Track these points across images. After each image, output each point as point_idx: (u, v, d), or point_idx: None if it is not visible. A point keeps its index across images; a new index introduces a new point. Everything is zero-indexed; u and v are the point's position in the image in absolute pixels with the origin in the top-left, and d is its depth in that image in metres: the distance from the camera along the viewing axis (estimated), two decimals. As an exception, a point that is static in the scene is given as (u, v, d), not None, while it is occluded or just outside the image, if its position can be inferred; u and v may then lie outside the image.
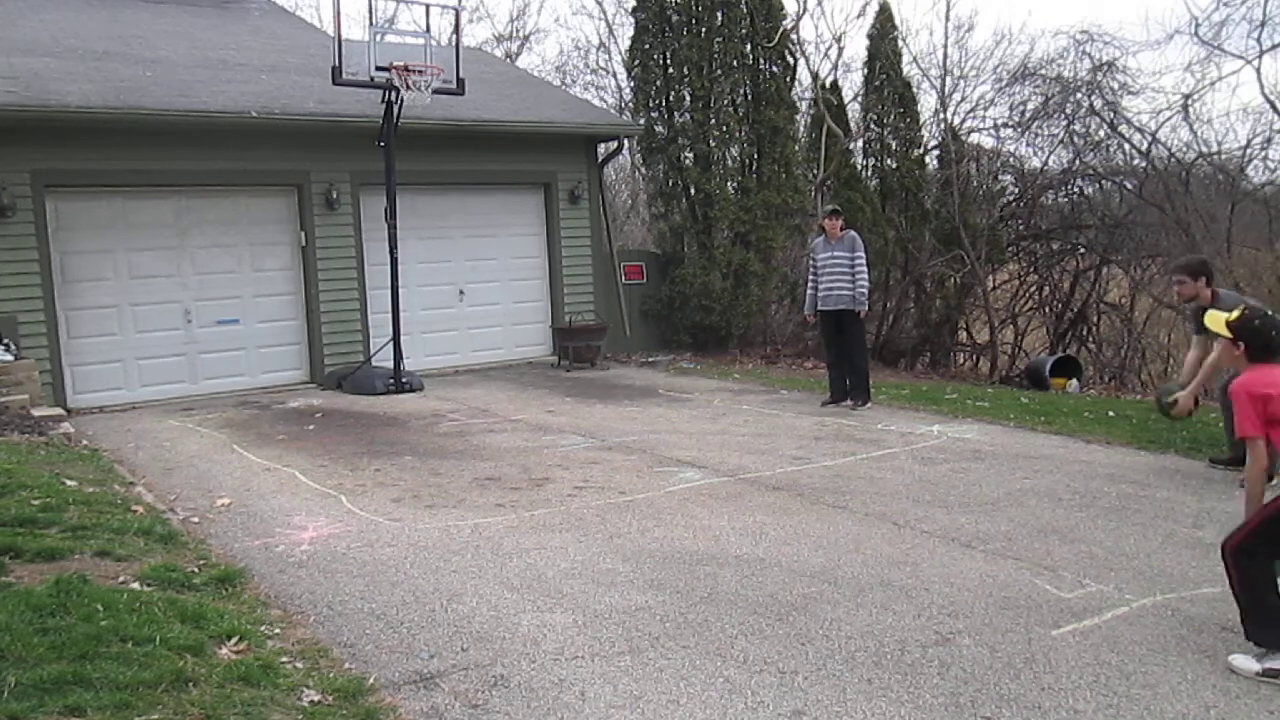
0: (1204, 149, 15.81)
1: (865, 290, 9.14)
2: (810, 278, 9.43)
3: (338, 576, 4.86)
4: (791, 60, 15.47)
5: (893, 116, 16.34)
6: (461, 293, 12.85)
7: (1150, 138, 16.16)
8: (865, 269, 9.13)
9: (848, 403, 9.33)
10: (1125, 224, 16.06)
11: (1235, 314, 4.11)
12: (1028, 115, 16.78)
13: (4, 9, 12.80)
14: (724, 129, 14.58)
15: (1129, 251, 16.19)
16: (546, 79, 20.05)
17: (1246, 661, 3.69)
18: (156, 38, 12.95)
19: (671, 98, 14.55)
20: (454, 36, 11.13)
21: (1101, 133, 16.57)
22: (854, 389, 9.33)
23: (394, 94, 10.39)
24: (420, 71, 10.24)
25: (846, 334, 9.30)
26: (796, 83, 15.97)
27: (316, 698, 3.44)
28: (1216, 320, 4.20)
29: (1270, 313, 4.18)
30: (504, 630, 4.15)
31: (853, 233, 9.33)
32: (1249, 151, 15.72)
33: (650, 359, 13.59)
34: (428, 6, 10.80)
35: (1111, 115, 16.29)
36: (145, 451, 8.07)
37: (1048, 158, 17.17)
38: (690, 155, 14.54)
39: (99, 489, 6.20)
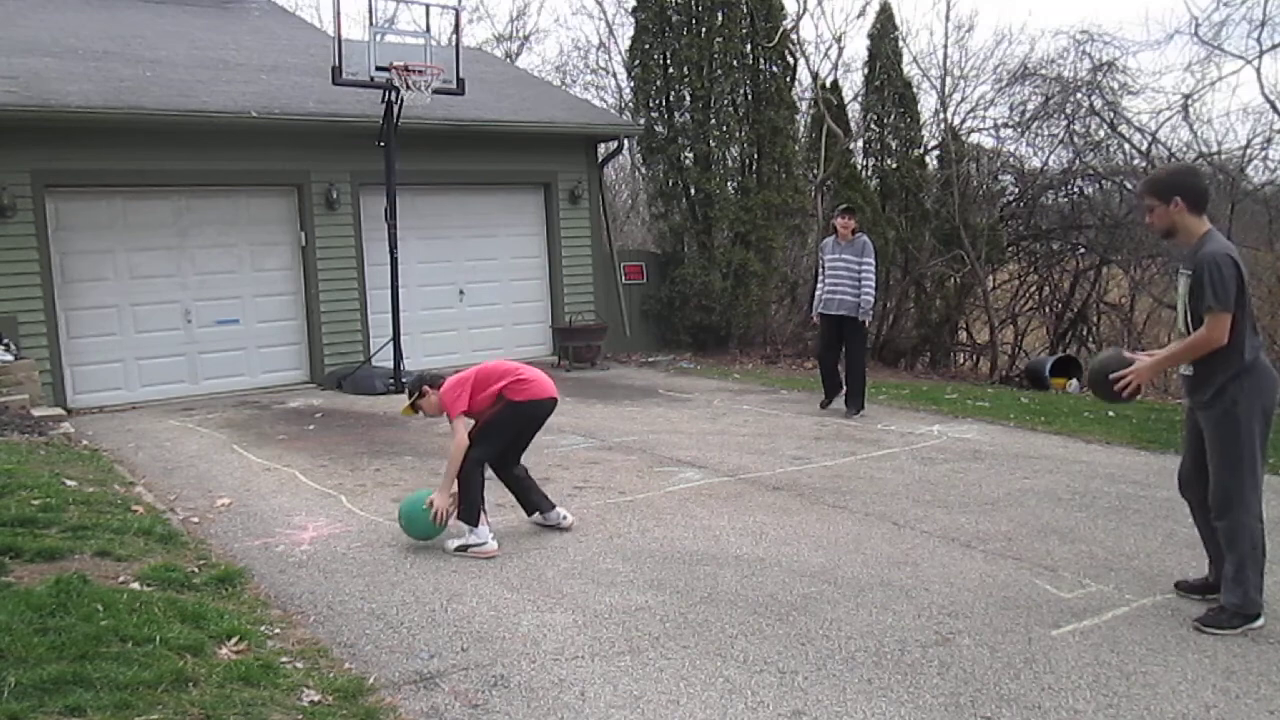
0: (1204, 149, 15.81)
1: (870, 299, 8.89)
2: (819, 277, 9.27)
3: (338, 576, 4.86)
4: (791, 60, 15.47)
5: (893, 116, 16.33)
6: (461, 293, 12.85)
7: (1150, 138, 16.17)
8: (873, 276, 8.87)
9: (841, 405, 9.11)
10: (1125, 224, 16.04)
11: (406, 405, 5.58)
12: (1028, 115, 16.77)
13: (4, 9, 12.81)
14: (724, 129, 14.58)
15: (1129, 251, 16.17)
16: (546, 79, 20.05)
17: (449, 542, 5.19)
18: (156, 38, 12.95)
19: (671, 98, 14.55)
20: (454, 36, 11.13)
21: (1101, 133, 16.57)
22: (851, 395, 9.05)
23: (394, 94, 10.38)
24: (420, 71, 10.23)
25: (847, 340, 9.06)
26: (796, 83, 15.98)
27: (316, 698, 3.44)
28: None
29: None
30: (504, 630, 4.16)
31: (864, 237, 9.04)
32: (1249, 151, 15.72)
33: (650, 359, 13.58)
34: (428, 6, 10.81)
35: (1111, 115, 16.29)
36: (145, 451, 8.07)
37: (1048, 158, 17.17)
38: (690, 155, 14.54)
39: (99, 489, 6.19)
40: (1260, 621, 4.02)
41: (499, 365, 5.62)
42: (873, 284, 8.89)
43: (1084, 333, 17.70)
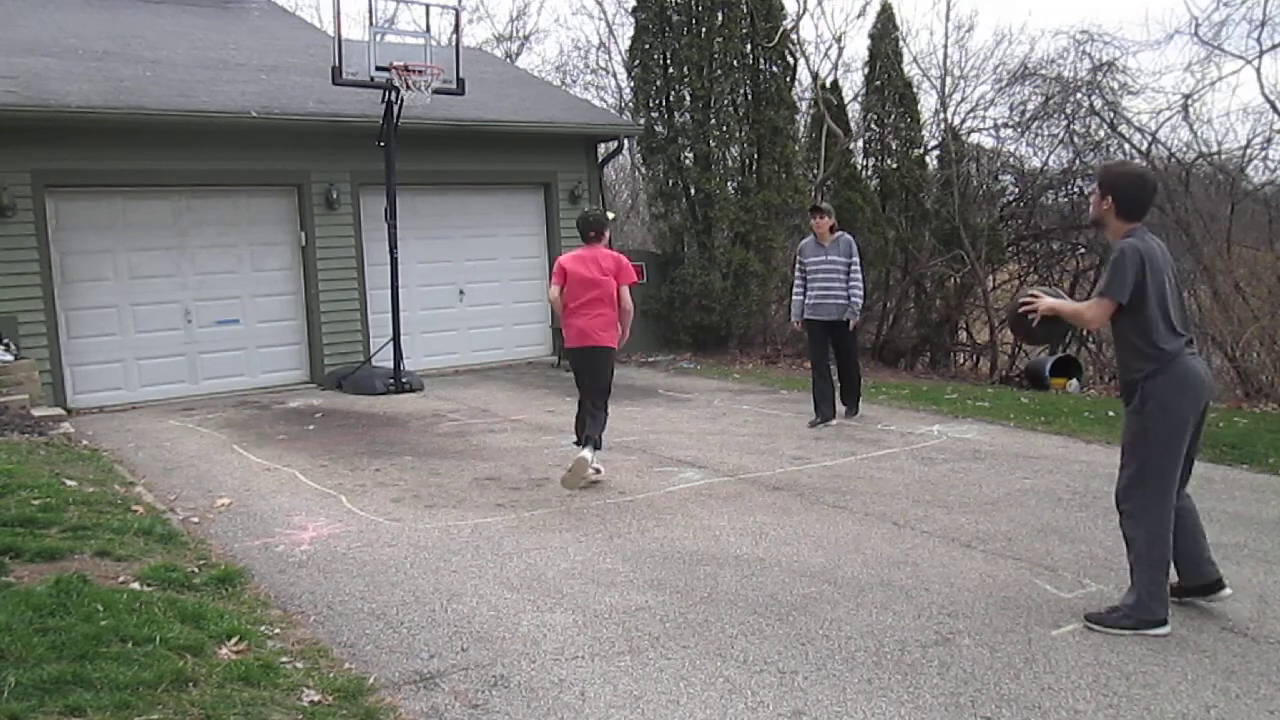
0: (1204, 149, 15.80)
1: (860, 300, 8.48)
2: (797, 283, 8.68)
3: (338, 576, 4.86)
4: (791, 60, 15.48)
5: (893, 116, 16.34)
6: (461, 293, 12.85)
7: (1150, 138, 16.16)
8: (860, 275, 8.47)
9: (834, 422, 8.66)
10: (1125, 224, 16.03)
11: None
12: (1028, 115, 16.77)
13: (4, 9, 12.81)
14: (724, 129, 14.58)
15: (1129, 251, 16.15)
16: (546, 79, 20.05)
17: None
18: (156, 38, 12.95)
19: (671, 98, 14.55)
20: (454, 36, 11.14)
21: (1101, 133, 16.56)
22: (846, 396, 8.79)
23: (394, 94, 10.39)
24: (420, 71, 10.24)
25: (840, 346, 8.64)
26: (796, 83, 15.99)
27: (316, 698, 3.44)
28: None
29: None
30: (504, 630, 4.15)
31: (847, 235, 8.60)
32: (1249, 151, 15.71)
33: (650, 359, 13.58)
34: (428, 6, 10.82)
35: (1111, 115, 16.29)
36: (145, 451, 8.07)
37: (1048, 158, 17.17)
38: (690, 155, 14.54)
39: (99, 489, 6.20)
40: (1163, 630, 3.96)
41: (585, 278, 6.40)
42: (861, 282, 8.47)
43: (1084, 332, 17.69)
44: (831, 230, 8.57)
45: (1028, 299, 4.28)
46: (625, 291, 6.54)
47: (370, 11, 10.90)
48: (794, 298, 8.80)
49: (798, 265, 8.76)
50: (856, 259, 8.50)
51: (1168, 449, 3.98)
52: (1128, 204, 4.02)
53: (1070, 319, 4.25)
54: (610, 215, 6.96)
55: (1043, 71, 16.70)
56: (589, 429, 6.55)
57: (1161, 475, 4.00)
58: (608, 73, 22.65)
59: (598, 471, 6.65)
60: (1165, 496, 4.01)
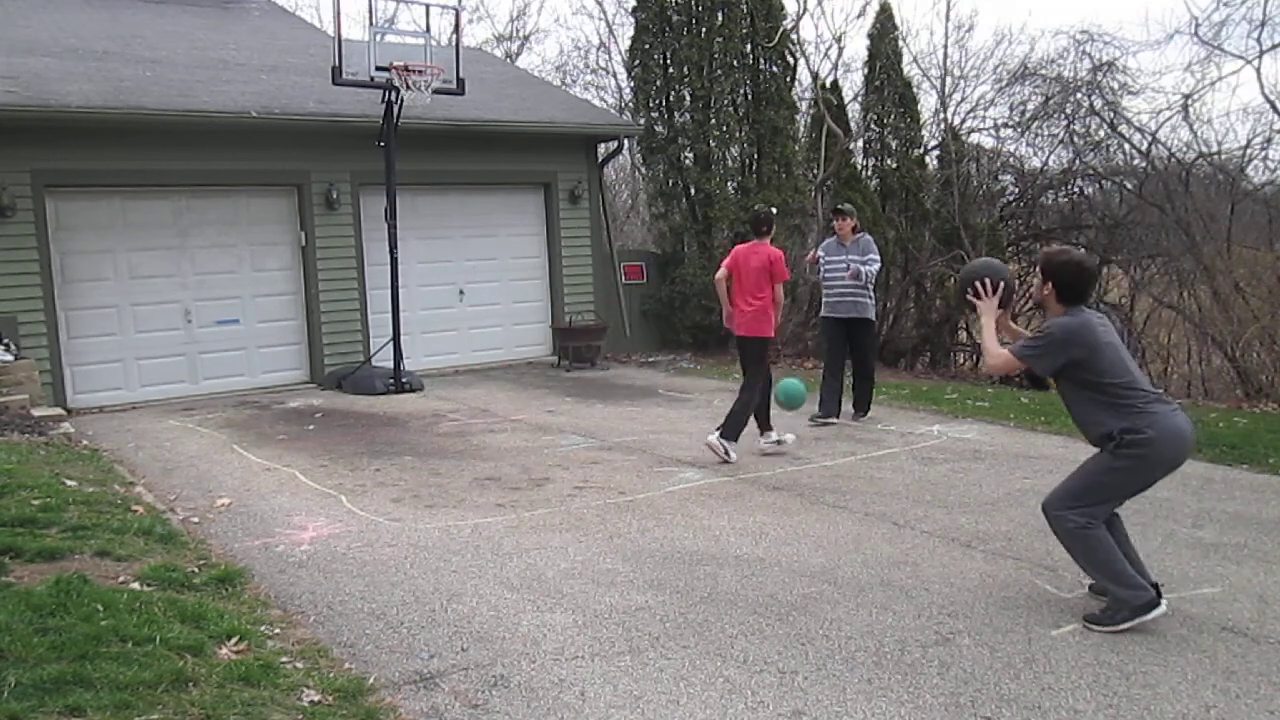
0: (1204, 149, 15.77)
1: (871, 270, 8.62)
2: (820, 275, 8.98)
3: (338, 576, 4.86)
4: (791, 60, 15.48)
5: (893, 116, 16.33)
6: (461, 293, 12.85)
7: (1150, 138, 16.13)
8: (876, 263, 8.73)
9: (834, 421, 8.68)
10: (1125, 224, 16.04)
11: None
12: (1028, 115, 16.76)
13: (4, 9, 12.81)
14: (724, 129, 14.58)
15: (1129, 251, 16.15)
16: (546, 79, 20.05)
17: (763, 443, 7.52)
18: (156, 38, 12.95)
19: (671, 98, 14.55)
20: (454, 36, 11.14)
21: (1101, 133, 16.54)
22: (859, 398, 8.86)
23: (394, 94, 10.39)
24: (420, 71, 10.24)
25: (856, 343, 8.76)
26: (796, 83, 15.97)
27: (316, 698, 3.44)
28: None
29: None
30: (504, 630, 4.16)
31: (868, 236, 8.85)
32: (1249, 151, 15.68)
33: (650, 359, 13.59)
34: (428, 6, 10.81)
35: (1111, 115, 16.27)
36: (145, 451, 8.07)
37: (1048, 158, 17.15)
38: (690, 155, 14.54)
39: (99, 489, 6.20)
40: (1159, 610, 4.02)
41: (751, 274, 7.36)
42: (875, 264, 8.70)
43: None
44: (854, 231, 8.82)
45: (981, 287, 4.38)
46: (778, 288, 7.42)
47: (370, 11, 10.90)
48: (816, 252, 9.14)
49: (819, 264, 9.02)
50: (874, 254, 8.76)
51: (1121, 492, 4.16)
52: (1066, 291, 4.17)
53: (982, 339, 4.41)
54: (773, 210, 7.72)
55: (1043, 71, 16.69)
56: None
57: (1101, 504, 4.13)
58: (608, 73, 22.66)
59: (779, 443, 7.61)
60: (1096, 514, 4.12)
